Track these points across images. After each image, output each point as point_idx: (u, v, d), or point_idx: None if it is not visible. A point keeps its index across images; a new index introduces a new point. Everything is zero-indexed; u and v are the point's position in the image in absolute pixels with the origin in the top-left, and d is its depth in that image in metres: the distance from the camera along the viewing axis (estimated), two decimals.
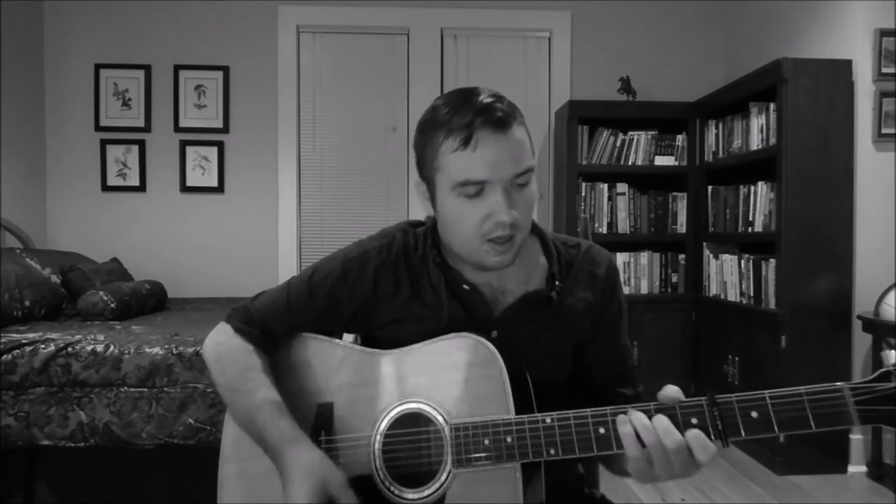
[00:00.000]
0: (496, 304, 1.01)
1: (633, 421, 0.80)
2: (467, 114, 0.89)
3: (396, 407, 0.95)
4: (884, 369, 0.75)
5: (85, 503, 2.09)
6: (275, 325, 1.03)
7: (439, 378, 0.93)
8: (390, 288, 1.02)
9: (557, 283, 1.01)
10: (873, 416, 0.74)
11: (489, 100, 0.90)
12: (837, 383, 0.76)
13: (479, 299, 1.00)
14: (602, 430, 0.83)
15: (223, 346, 1.03)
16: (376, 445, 0.94)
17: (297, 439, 0.92)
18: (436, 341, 0.95)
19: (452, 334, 0.95)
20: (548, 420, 0.85)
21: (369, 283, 1.01)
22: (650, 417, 0.80)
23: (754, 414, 0.78)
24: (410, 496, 0.91)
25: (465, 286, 1.00)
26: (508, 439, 0.86)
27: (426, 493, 0.90)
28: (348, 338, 1.09)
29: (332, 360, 1.01)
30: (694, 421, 0.79)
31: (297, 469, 0.89)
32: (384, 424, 0.94)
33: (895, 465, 2.58)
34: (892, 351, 0.76)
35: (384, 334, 1.02)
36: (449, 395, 0.92)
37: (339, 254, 1.06)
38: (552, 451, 0.85)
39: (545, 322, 1.01)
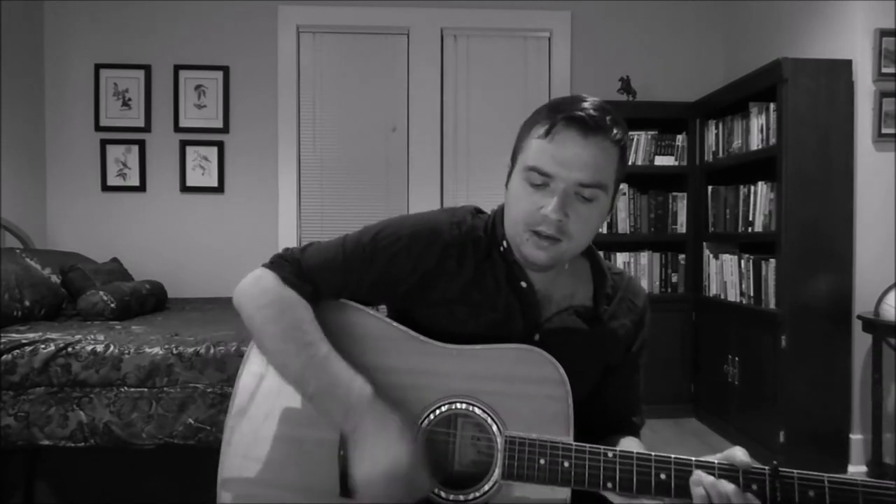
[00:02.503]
0: (543, 308, 1.01)
1: (705, 484, 0.81)
2: (562, 110, 0.90)
3: (446, 403, 0.92)
4: None
5: (85, 503, 2.09)
6: (324, 283, 0.98)
7: (498, 385, 0.91)
8: (454, 267, 0.98)
9: (606, 307, 1.03)
10: None
11: (589, 105, 0.90)
12: (891, 483, 0.79)
13: (532, 299, 0.99)
14: (663, 476, 0.83)
15: (270, 294, 0.96)
16: (418, 439, 0.91)
17: (377, 398, 0.90)
18: (499, 347, 0.93)
19: (517, 345, 0.93)
20: (609, 454, 0.85)
21: (434, 258, 0.97)
22: (716, 476, 0.81)
23: (811, 493, 0.80)
24: (450, 498, 0.89)
25: (524, 283, 0.98)
26: (566, 464, 0.85)
27: (469, 497, 0.88)
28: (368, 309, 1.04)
29: (382, 339, 0.97)
30: (754, 487, 0.81)
31: (390, 429, 0.87)
32: (430, 419, 0.92)
33: (895, 465, 2.58)
34: None
35: (432, 314, 0.98)
36: (505, 405, 0.90)
37: (404, 222, 1.00)
38: (609, 485, 0.84)
39: (587, 338, 1.01)
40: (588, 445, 0.86)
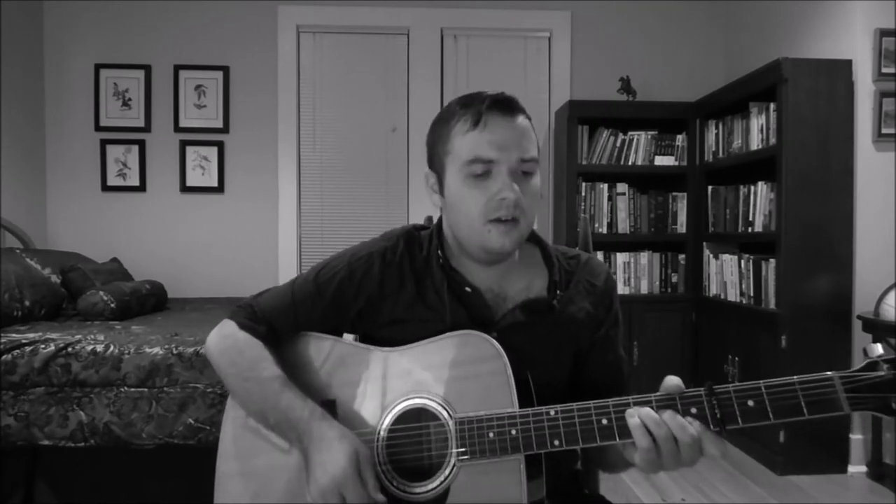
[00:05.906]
0: (497, 308, 1.03)
1: (640, 414, 0.83)
2: (477, 101, 0.96)
3: (400, 403, 0.96)
4: (870, 360, 0.78)
5: (85, 503, 2.09)
6: (279, 322, 1.05)
7: (443, 374, 0.95)
8: (395, 287, 1.03)
9: (559, 292, 1.03)
10: (862, 403, 0.77)
11: (496, 93, 0.97)
12: (828, 373, 0.78)
13: (480, 302, 1.02)
14: (605, 421, 0.85)
15: (229, 339, 1.04)
16: (380, 441, 0.95)
17: (326, 415, 0.94)
18: (439, 338, 0.97)
19: (456, 332, 0.97)
20: (552, 412, 0.88)
21: (375, 282, 1.03)
22: (654, 409, 0.83)
23: (750, 402, 0.80)
24: (415, 490, 0.92)
25: (468, 288, 1.02)
26: (513, 432, 0.88)
27: (430, 486, 0.91)
28: (348, 337, 1.09)
29: (334, 357, 1.02)
30: (693, 410, 0.82)
31: (332, 436, 0.90)
32: (388, 420, 0.96)
33: (895, 465, 2.58)
34: (878, 344, 0.79)
35: (387, 334, 1.03)
36: (453, 391, 0.94)
37: (345, 254, 1.08)
38: (556, 443, 0.87)
39: (546, 328, 1.02)
40: (531, 409, 0.89)
